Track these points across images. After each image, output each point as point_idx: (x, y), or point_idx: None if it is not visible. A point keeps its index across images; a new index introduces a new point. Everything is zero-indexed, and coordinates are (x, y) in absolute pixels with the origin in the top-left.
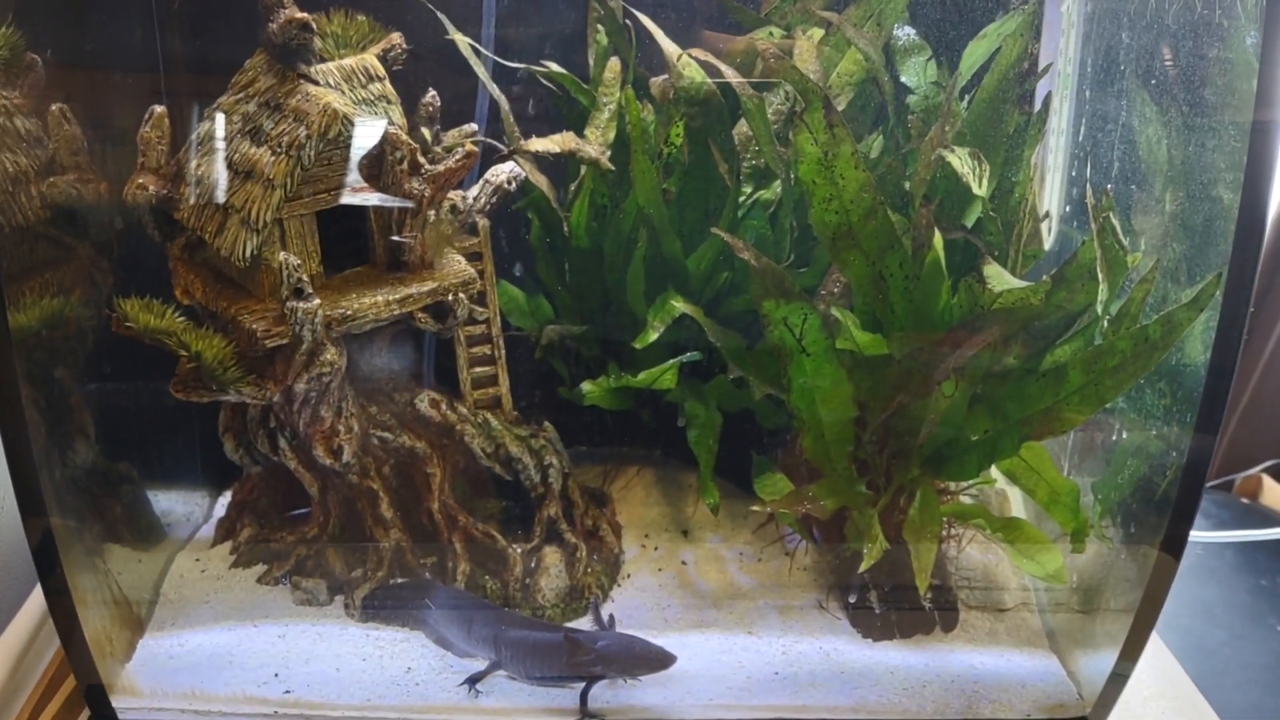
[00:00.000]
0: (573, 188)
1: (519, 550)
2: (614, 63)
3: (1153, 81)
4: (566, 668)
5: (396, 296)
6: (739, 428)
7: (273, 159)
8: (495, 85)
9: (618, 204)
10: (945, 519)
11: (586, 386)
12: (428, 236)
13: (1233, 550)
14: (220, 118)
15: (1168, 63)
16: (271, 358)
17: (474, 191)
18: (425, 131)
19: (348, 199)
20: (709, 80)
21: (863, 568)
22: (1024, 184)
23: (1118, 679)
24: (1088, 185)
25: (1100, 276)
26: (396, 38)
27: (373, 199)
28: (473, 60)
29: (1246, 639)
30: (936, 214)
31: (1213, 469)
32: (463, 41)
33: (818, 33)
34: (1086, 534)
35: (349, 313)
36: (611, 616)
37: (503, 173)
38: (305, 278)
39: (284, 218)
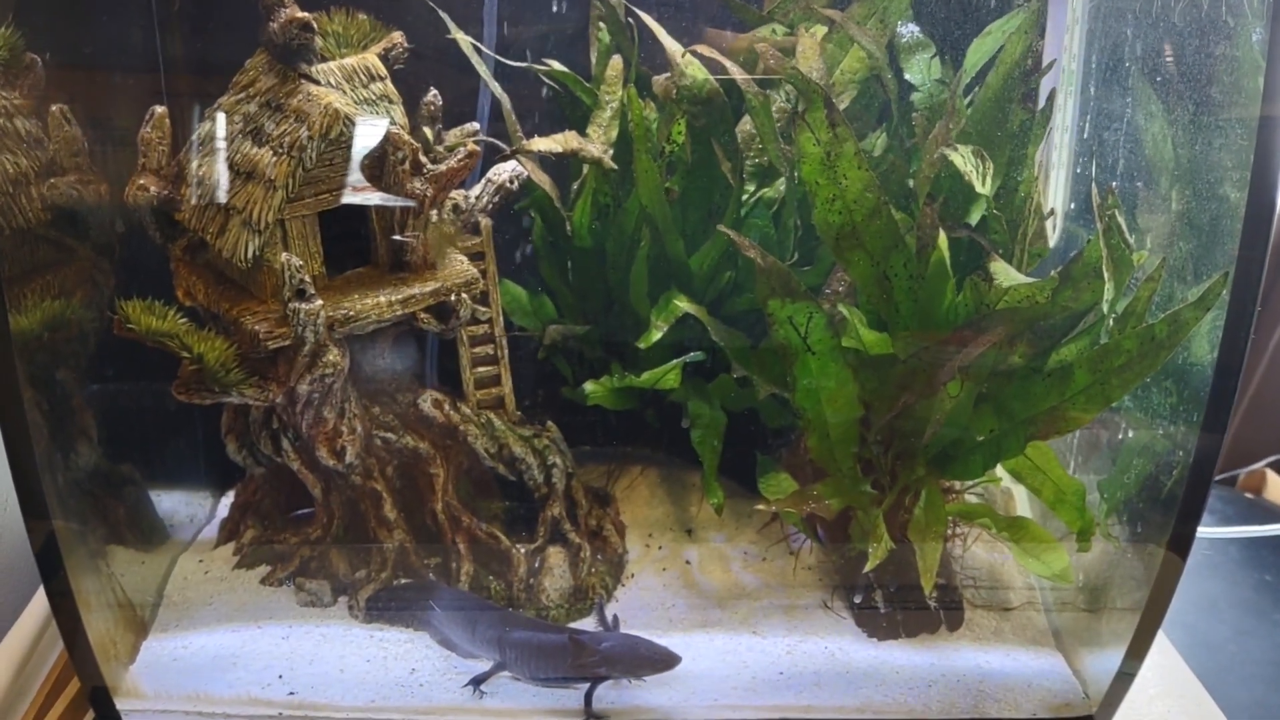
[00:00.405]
0: (575, 187)
1: (523, 551)
2: (616, 61)
3: (1158, 79)
4: (571, 669)
5: (399, 297)
6: (743, 427)
7: (274, 160)
8: (497, 84)
9: (620, 203)
10: (950, 518)
11: (590, 386)
12: (430, 236)
13: (1237, 546)
14: (221, 118)
15: (1173, 60)
16: (274, 359)
17: (476, 191)
18: (427, 131)
19: (349, 199)
20: (712, 78)
21: (868, 567)
22: (1028, 182)
23: (1124, 678)
24: (1093, 183)
25: (1106, 275)
26: (398, 37)
27: (374, 199)
28: (474, 59)
29: (1251, 635)
30: (941, 213)
31: (1217, 465)
32: (464, 40)
33: (821, 30)
34: (1092, 533)
35: (351, 314)
36: (616, 617)
37: (505, 172)
38: (307, 279)
39: (286, 218)
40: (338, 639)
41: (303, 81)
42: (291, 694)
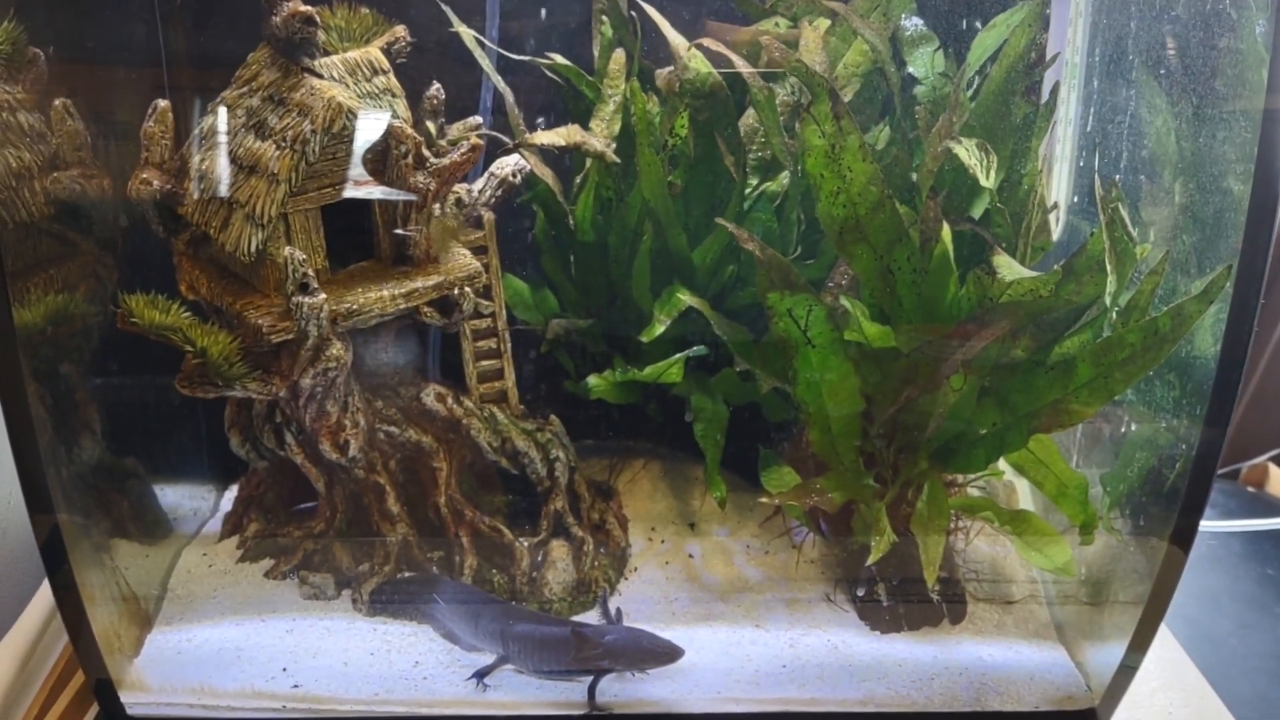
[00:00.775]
0: (578, 181)
1: (525, 544)
2: (619, 54)
3: (1161, 72)
4: (574, 662)
5: (402, 291)
6: (746, 421)
7: (277, 154)
8: (499, 78)
9: (623, 197)
10: (953, 512)
11: (592, 380)
12: (433, 230)
13: (1239, 539)
14: (223, 112)
15: (1177, 53)
16: (277, 353)
17: (479, 185)
18: (430, 125)
19: (352, 193)
20: (715, 72)
21: (870, 561)
22: (1032, 175)
23: (1126, 670)
24: (1096, 176)
25: (1109, 268)
26: (400, 31)
27: (377, 193)
28: (477, 53)
29: (1253, 628)
30: (944, 206)
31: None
32: (467, 34)
33: (824, 23)
34: (1095, 526)
35: (354, 308)
36: (619, 610)
37: (508, 166)
38: (310, 273)
39: (289, 212)
40: (341, 632)
41: (305, 75)
42: (295, 687)
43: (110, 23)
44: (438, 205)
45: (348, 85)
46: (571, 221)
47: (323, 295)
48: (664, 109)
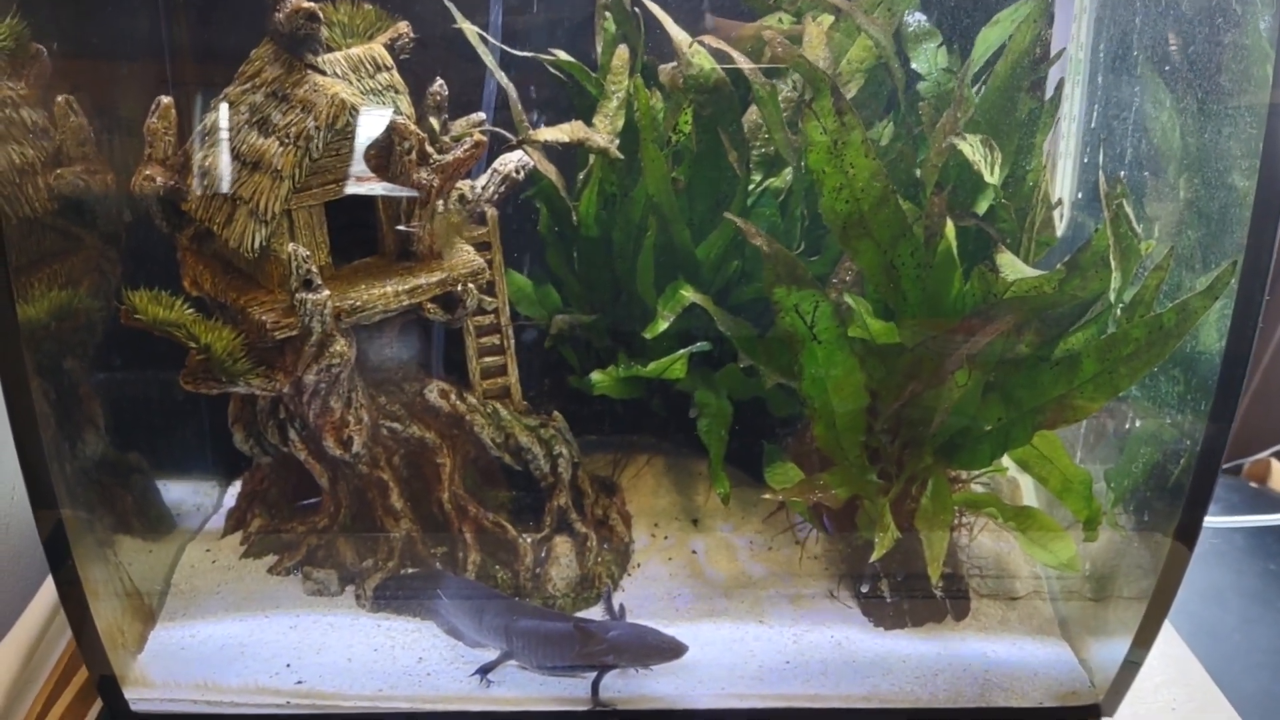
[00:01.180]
0: (581, 177)
1: (529, 540)
2: (622, 50)
3: (1166, 67)
4: (578, 657)
5: (405, 287)
6: (749, 417)
7: (281, 150)
8: (503, 74)
9: (627, 193)
10: (957, 508)
11: (596, 376)
12: (436, 227)
13: (1242, 535)
14: (226, 108)
15: (1181, 48)
16: (281, 349)
17: (482, 181)
18: (433, 121)
19: (355, 190)
20: (718, 68)
21: (874, 557)
22: (1036, 171)
23: (1130, 666)
24: (1100, 171)
25: (1113, 264)
26: (404, 27)
27: (380, 190)
28: (480, 49)
29: (1257, 623)
30: (949, 202)
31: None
32: (470, 30)
33: (828, 19)
34: (1099, 522)
35: (358, 304)
36: (622, 606)
37: (511, 162)
38: (314, 269)
39: (292, 209)
40: (345, 628)
41: (309, 71)
42: (299, 683)
43: (114, 18)
44: (441, 202)
45: (351, 81)
46: (575, 217)
47: (326, 291)
48: (668, 105)
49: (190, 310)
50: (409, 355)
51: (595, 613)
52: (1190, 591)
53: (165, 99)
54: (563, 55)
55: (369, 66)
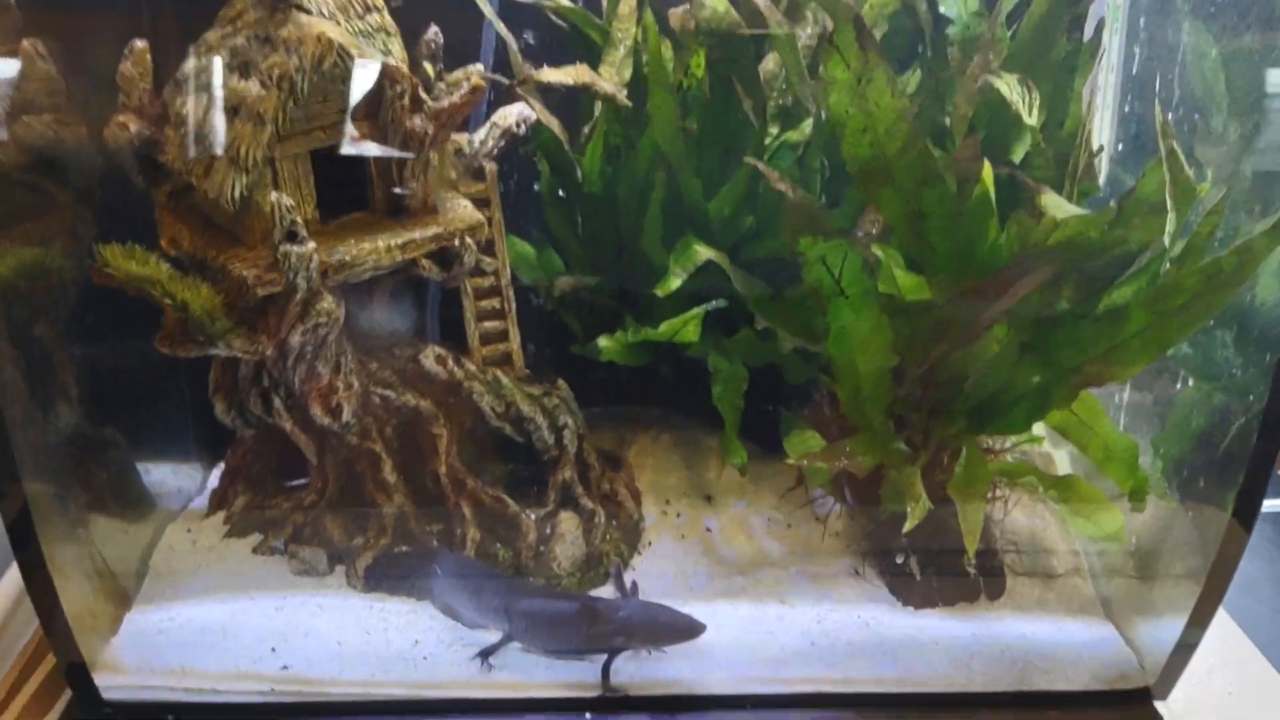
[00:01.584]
0: (585, 130)
1: (532, 516)
2: None
3: (1211, 9)
4: (586, 639)
5: (398, 242)
6: (764, 386)
7: (263, 93)
8: (501, 23)
9: (633, 145)
10: (992, 478)
11: (603, 342)
12: (431, 179)
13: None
14: (206, 53)
15: None
16: (264, 309)
17: (481, 134)
18: (428, 67)
19: (343, 139)
20: (733, 9)
21: (906, 528)
22: (1076, 115)
23: (1185, 649)
24: (1156, 103)
25: (1169, 203)
26: None
27: (371, 144)
28: None
29: None
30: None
31: None
32: None
33: None
34: (1146, 492)
35: (347, 259)
36: (634, 583)
37: (511, 115)
38: (299, 220)
39: (276, 157)
40: (334, 610)
41: (293, 11)
42: (285, 668)
43: None
44: (436, 154)
45: (339, 22)
46: (578, 172)
47: (312, 244)
48: (677, 54)
49: (167, 266)
50: (402, 319)
51: (604, 592)
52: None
53: (139, 43)
54: (565, 2)
55: (358, 7)
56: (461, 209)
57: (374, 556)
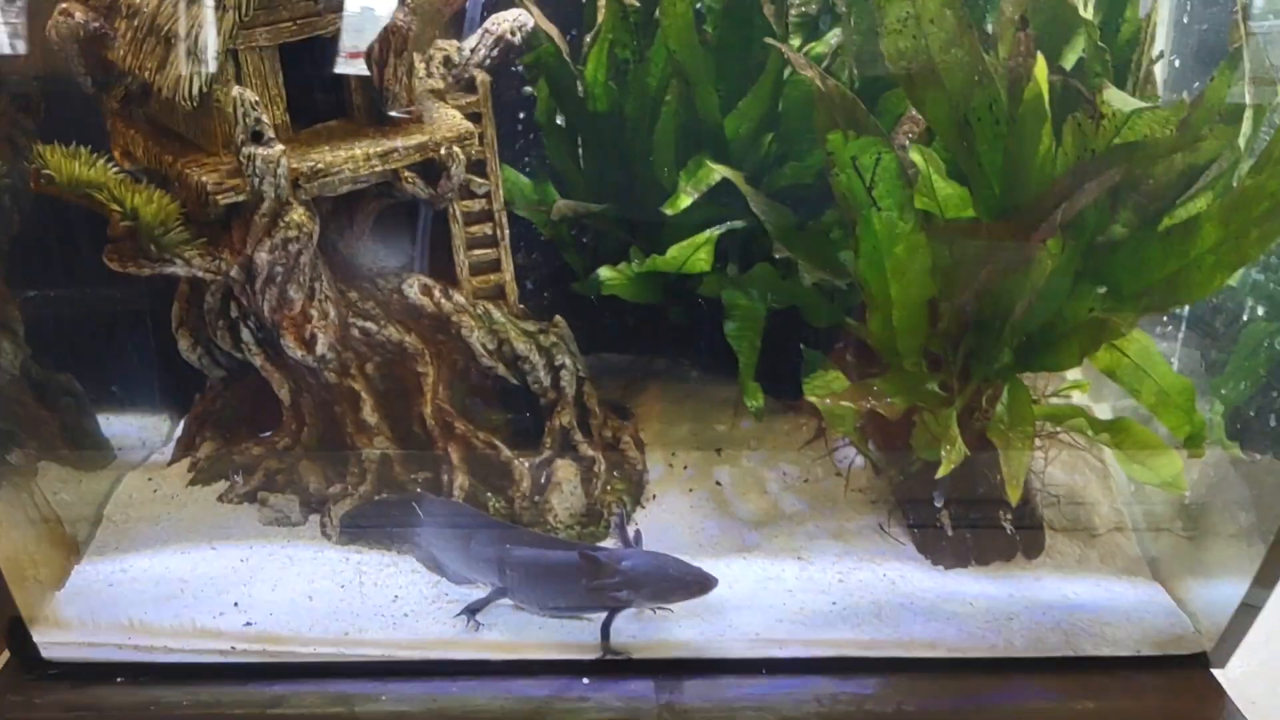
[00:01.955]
0: (588, 39)
1: (526, 464)
2: None
3: None
4: (585, 593)
5: (378, 150)
6: (780, 330)
7: None
8: None
9: (642, 56)
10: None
11: (605, 274)
12: (415, 83)
13: None
14: None
15: None
16: (227, 223)
17: (471, 42)
18: None
19: (316, 31)
20: None
21: (941, 472)
22: (1134, 19)
23: (1248, 610)
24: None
25: (1248, 98)
26: None
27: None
28: None
29: None
30: None
31: None
32: None
33: None
34: (1204, 438)
35: (319, 166)
36: (638, 532)
37: (506, 21)
38: (265, 119)
39: (239, 49)
40: (307, 561)
41: None
42: (249, 625)
43: None
44: (422, 63)
45: None
46: (580, 88)
47: (280, 146)
48: None
49: (116, 170)
50: (386, 247)
51: (607, 547)
52: None
53: None
54: None
55: None
56: (449, 118)
57: (353, 505)
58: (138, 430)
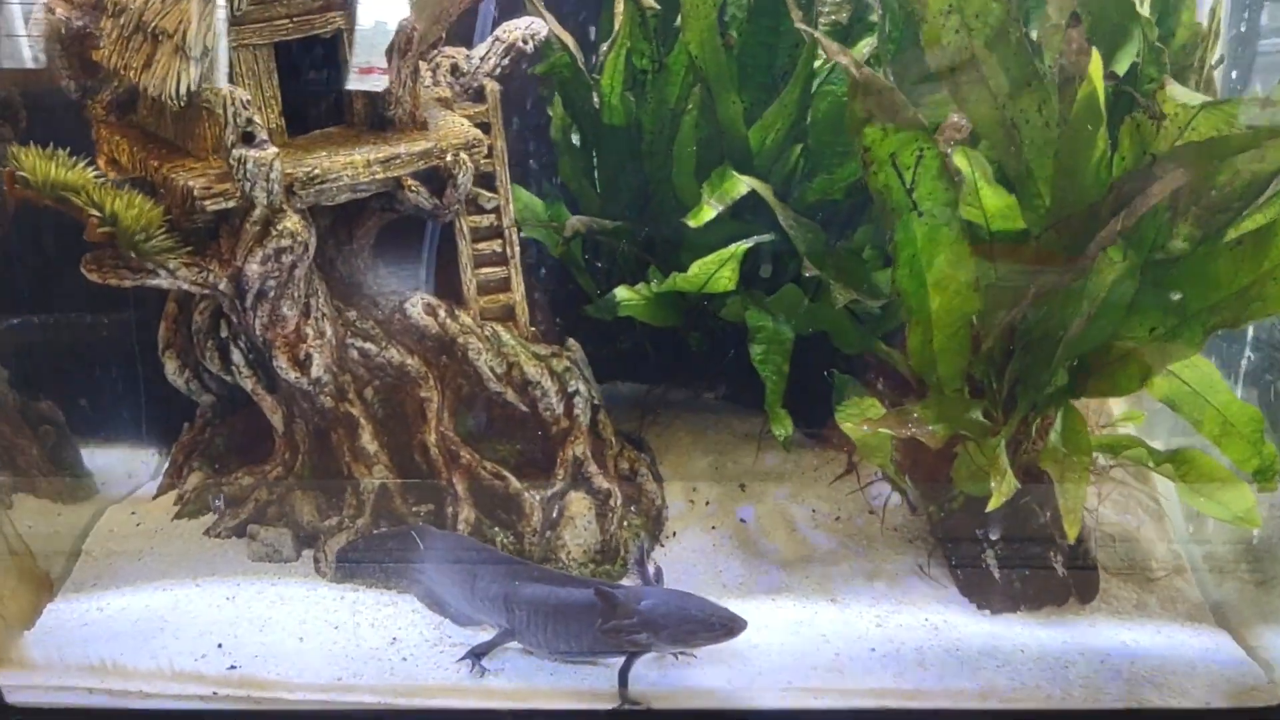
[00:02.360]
0: (605, 48)
1: (537, 496)
2: None
3: None
4: (601, 636)
5: (379, 157)
6: (804, 358)
7: None
8: None
9: (661, 64)
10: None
11: (621, 294)
12: (420, 87)
13: None
14: None
15: None
16: (216, 231)
17: (481, 50)
18: None
19: (314, 31)
20: None
21: (991, 505)
22: (1190, 25)
23: None
24: None
25: None
26: None
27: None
28: None
29: None
30: None
31: None
32: None
33: None
34: (1277, 470)
35: (316, 172)
36: (659, 569)
37: (518, 28)
38: (257, 119)
39: (231, 45)
40: (298, 601)
41: None
42: (233, 668)
43: None
44: (428, 70)
45: None
46: (596, 99)
47: (273, 149)
48: None
49: (96, 174)
50: (386, 262)
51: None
52: None
53: None
54: None
55: None
56: (456, 124)
57: (349, 539)
58: (122, 464)
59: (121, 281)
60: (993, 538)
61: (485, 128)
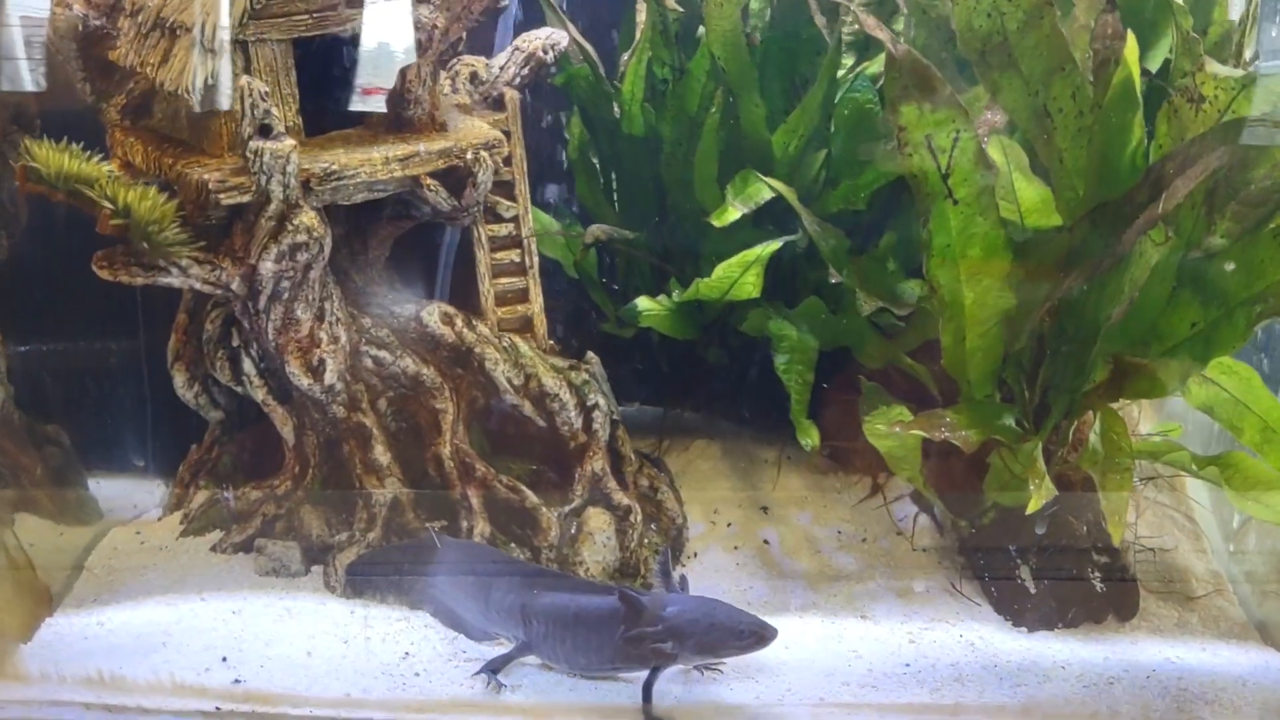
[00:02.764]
0: (625, 57)
1: (555, 512)
2: None
3: None
4: (624, 646)
5: (397, 154)
6: (824, 373)
7: None
8: None
9: (682, 72)
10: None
11: (642, 305)
12: (439, 88)
13: None
14: None
15: None
16: (229, 228)
17: (501, 59)
18: None
19: (333, 29)
20: None
21: (1031, 508)
22: (1222, 21)
23: None
24: None
25: None
26: None
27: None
28: None
29: None
30: None
31: None
32: None
33: None
34: None
35: (334, 168)
36: (683, 578)
37: (538, 38)
38: (274, 111)
39: (249, 39)
40: (306, 615)
41: None
42: (237, 682)
43: None
44: (448, 79)
45: None
46: (616, 109)
47: (290, 141)
48: None
49: (109, 168)
50: (402, 270)
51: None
52: None
53: None
54: None
55: None
56: (475, 126)
57: (360, 553)
58: (128, 493)
59: (133, 279)
60: (1027, 553)
61: (505, 136)
